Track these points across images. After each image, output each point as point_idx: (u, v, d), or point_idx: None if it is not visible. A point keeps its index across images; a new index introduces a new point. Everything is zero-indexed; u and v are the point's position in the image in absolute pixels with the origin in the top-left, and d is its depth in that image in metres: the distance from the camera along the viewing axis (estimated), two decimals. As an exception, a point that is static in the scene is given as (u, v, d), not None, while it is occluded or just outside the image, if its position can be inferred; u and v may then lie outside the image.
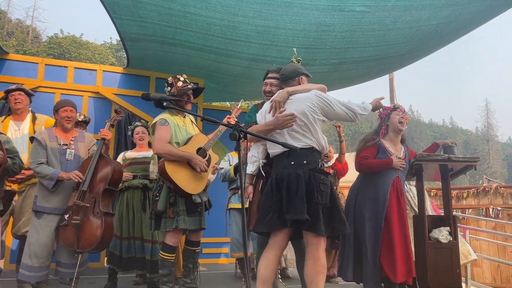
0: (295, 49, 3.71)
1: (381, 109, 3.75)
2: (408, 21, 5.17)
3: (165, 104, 2.62)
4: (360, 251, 3.86)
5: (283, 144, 2.53)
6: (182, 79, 3.79)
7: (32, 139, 3.78)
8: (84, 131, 4.29)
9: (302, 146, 3.00)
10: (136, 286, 4.61)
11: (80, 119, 4.73)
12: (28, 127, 4.29)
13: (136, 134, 4.59)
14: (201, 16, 4.76)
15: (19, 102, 4.23)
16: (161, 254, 3.65)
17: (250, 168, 3.32)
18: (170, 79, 3.80)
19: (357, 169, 3.98)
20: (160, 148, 3.53)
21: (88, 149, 3.98)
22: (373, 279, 3.72)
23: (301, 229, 2.95)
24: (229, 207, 4.80)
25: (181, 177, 3.52)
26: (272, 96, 3.32)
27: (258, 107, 3.54)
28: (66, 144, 3.83)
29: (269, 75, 3.54)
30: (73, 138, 3.89)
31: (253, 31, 5.06)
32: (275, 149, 3.12)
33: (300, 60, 3.65)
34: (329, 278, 5.14)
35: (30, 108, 4.42)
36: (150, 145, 4.60)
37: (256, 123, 3.34)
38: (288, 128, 3.06)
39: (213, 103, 10.43)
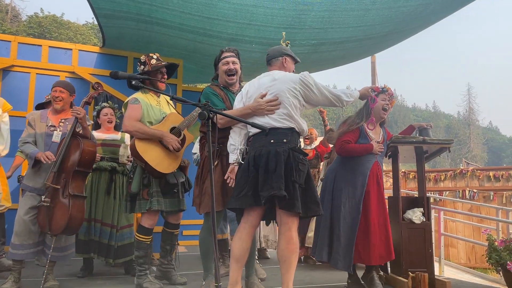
0: (284, 32, 3.71)
1: (371, 91, 3.74)
2: (386, 2, 5.14)
3: (133, 82, 2.58)
4: (333, 233, 3.80)
5: (253, 125, 2.51)
6: (155, 57, 3.73)
7: None
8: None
9: (282, 126, 3.01)
10: (113, 268, 4.60)
11: None
12: None
13: (104, 115, 4.46)
14: (177, -8, 4.66)
15: None
16: (137, 235, 3.62)
17: (232, 158, 3.16)
18: (143, 58, 3.73)
19: (338, 152, 3.92)
20: (129, 125, 3.49)
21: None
22: (344, 261, 3.67)
23: (274, 208, 2.95)
24: None
25: (152, 156, 3.47)
26: (235, 75, 3.32)
27: (214, 90, 3.39)
28: (54, 126, 3.76)
29: (227, 54, 3.43)
30: (63, 120, 3.81)
31: (231, 10, 4.98)
32: (254, 128, 3.06)
33: (288, 43, 3.62)
34: (305, 259, 5.20)
35: None
36: (117, 127, 4.52)
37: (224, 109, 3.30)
38: None
39: (197, 85, 10.33)
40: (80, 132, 3.75)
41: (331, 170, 4.05)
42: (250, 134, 3.17)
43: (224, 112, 2.93)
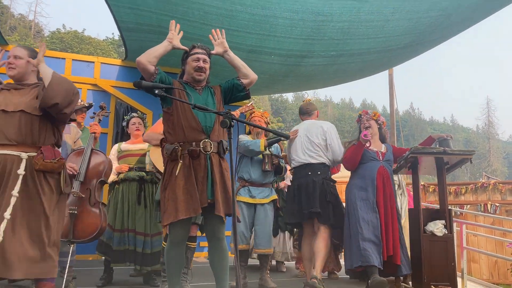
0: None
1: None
2: (407, 12, 5.14)
3: (157, 92, 2.61)
4: (354, 235, 3.98)
5: (274, 132, 2.52)
6: None
7: None
8: (70, 124, 4.24)
9: (316, 162, 4.21)
10: (132, 278, 4.61)
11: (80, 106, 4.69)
12: None
13: (132, 124, 4.55)
14: (198, 3, 4.73)
15: None
16: (164, 244, 3.69)
17: None
18: None
19: (345, 167, 4.37)
20: (146, 135, 3.69)
21: (74, 142, 4.00)
22: (375, 257, 3.82)
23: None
24: (237, 199, 4.76)
25: (162, 163, 3.50)
26: (204, 73, 3.06)
27: (174, 84, 3.07)
28: None
29: (199, 50, 3.09)
30: None
31: (251, 21, 5.03)
32: (294, 163, 4.31)
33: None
34: (328, 274, 5.15)
35: None
36: None
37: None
38: (304, 147, 4.27)
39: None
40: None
41: (348, 184, 4.38)
42: (293, 166, 4.33)
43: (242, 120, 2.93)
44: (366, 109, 4.59)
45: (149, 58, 2.94)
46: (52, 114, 2.72)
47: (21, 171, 2.58)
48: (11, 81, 2.89)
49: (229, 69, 6.59)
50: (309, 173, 4.14)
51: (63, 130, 3.04)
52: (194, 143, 2.87)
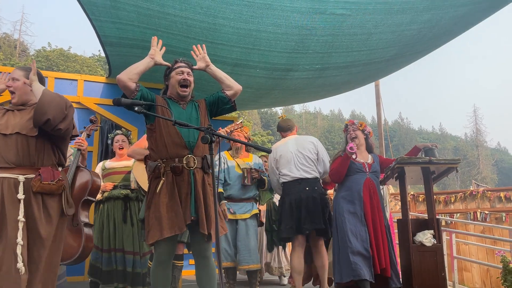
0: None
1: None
2: (389, 25, 5.18)
3: (136, 109, 2.57)
4: (343, 249, 3.94)
5: (256, 147, 2.48)
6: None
7: None
8: None
9: (311, 176, 4.28)
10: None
11: None
12: None
13: (116, 142, 4.50)
14: (181, 17, 4.71)
15: None
16: (150, 263, 3.60)
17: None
18: None
19: (332, 180, 4.37)
20: (130, 149, 3.71)
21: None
22: (366, 270, 3.80)
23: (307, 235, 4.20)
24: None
25: (144, 179, 3.46)
26: (189, 86, 3.03)
27: (157, 99, 3.00)
28: None
29: (182, 64, 3.08)
30: None
31: (235, 34, 5.03)
32: (287, 178, 4.27)
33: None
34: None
35: None
36: None
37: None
38: (297, 162, 4.28)
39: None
40: (80, 162, 3.77)
41: (334, 196, 4.39)
42: (284, 180, 4.29)
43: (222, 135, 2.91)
44: (356, 120, 4.58)
45: (129, 75, 2.90)
46: (48, 132, 2.67)
47: (20, 195, 2.55)
48: None
49: (214, 83, 6.58)
50: (307, 188, 4.19)
51: (67, 148, 2.98)
52: (177, 159, 2.83)
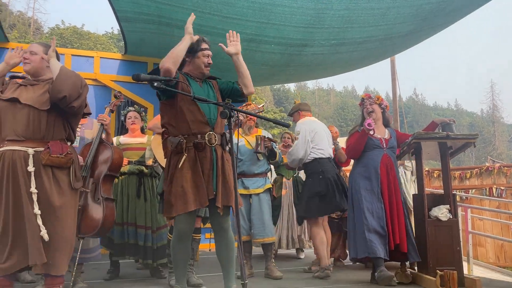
0: None
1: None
2: (408, -1, 5.09)
3: (156, 84, 2.61)
4: (359, 226, 3.96)
5: (275, 121, 2.50)
6: None
7: None
8: (93, 119, 4.26)
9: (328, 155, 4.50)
10: (139, 271, 4.65)
11: None
12: None
13: (129, 118, 4.52)
14: (196, -9, 4.70)
15: None
16: (169, 236, 3.76)
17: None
18: None
19: (348, 156, 4.54)
20: (150, 123, 3.78)
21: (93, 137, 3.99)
22: (381, 248, 3.83)
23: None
24: None
25: (161, 151, 3.49)
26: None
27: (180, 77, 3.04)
28: None
29: (207, 46, 3.12)
30: (80, 126, 3.89)
31: (250, 8, 4.98)
32: (325, 154, 4.48)
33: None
34: (334, 261, 5.18)
35: None
36: (143, 131, 4.57)
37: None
38: (328, 141, 4.56)
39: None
40: (104, 138, 3.83)
41: (350, 172, 4.35)
42: (320, 156, 4.43)
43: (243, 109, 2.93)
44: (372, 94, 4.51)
45: (176, 62, 2.92)
46: (61, 108, 2.75)
47: (30, 168, 2.63)
48: None
49: (229, 61, 6.57)
50: (334, 166, 4.52)
51: (77, 125, 3.08)
52: (199, 136, 2.88)
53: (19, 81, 2.91)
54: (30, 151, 2.66)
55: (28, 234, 2.57)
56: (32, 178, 2.62)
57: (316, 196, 4.33)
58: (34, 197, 2.59)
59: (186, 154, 2.84)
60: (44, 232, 2.54)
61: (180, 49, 2.96)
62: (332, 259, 5.17)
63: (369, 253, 3.84)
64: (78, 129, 3.88)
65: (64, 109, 2.76)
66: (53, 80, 2.74)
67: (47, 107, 2.73)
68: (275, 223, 5.42)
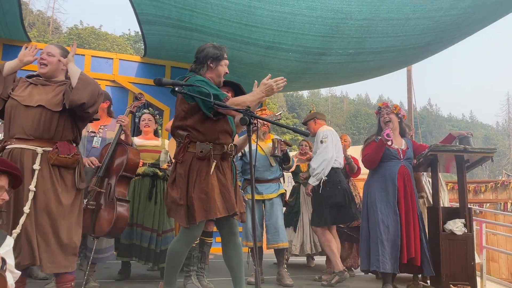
0: None
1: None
2: (428, 11, 5.06)
3: (177, 89, 2.63)
4: (372, 238, 3.93)
5: (294, 129, 2.51)
6: None
7: None
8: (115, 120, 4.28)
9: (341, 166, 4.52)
10: (149, 272, 4.67)
11: None
12: None
13: (142, 121, 4.53)
14: (217, -1, 4.74)
15: None
16: None
17: (313, 182, 4.36)
18: None
19: (365, 166, 4.30)
20: (168, 125, 3.73)
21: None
22: (391, 263, 3.80)
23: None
24: (245, 198, 4.77)
25: None
26: None
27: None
28: (94, 132, 3.92)
29: (226, 56, 3.10)
30: (102, 127, 3.96)
31: (269, 17, 5.01)
32: (338, 164, 4.41)
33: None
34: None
35: None
36: (156, 133, 4.59)
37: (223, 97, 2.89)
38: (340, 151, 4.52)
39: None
40: (123, 139, 3.85)
41: (365, 183, 4.32)
42: (337, 166, 4.41)
43: (262, 116, 2.93)
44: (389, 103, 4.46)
45: None
46: (76, 112, 2.79)
47: (36, 166, 2.67)
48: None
49: (247, 66, 6.63)
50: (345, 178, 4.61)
51: (84, 127, 3.13)
52: (225, 146, 2.90)
53: (30, 80, 2.93)
54: (39, 150, 2.71)
55: (22, 233, 2.58)
56: (35, 176, 2.65)
57: (335, 206, 4.30)
58: (31, 195, 2.61)
59: (214, 162, 2.81)
60: (16, 231, 2.53)
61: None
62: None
63: (378, 267, 3.83)
64: (100, 130, 3.93)
65: (77, 113, 2.81)
66: (70, 84, 2.77)
67: (59, 109, 2.77)
68: (294, 228, 5.43)
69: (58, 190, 2.71)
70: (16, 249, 2.52)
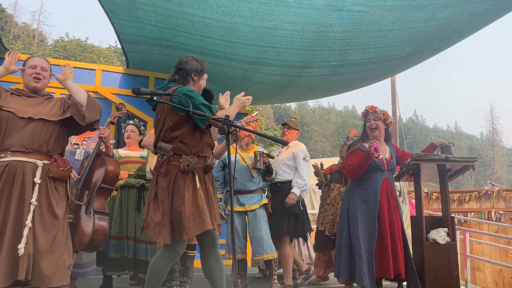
0: None
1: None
2: (407, 22, 5.13)
3: (155, 98, 2.61)
4: (354, 251, 3.86)
5: (273, 138, 2.49)
6: None
7: None
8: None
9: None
10: (132, 287, 4.58)
11: None
12: None
13: (126, 132, 4.51)
14: (198, 17, 4.73)
15: None
16: (189, 253, 3.73)
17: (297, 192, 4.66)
18: None
19: (348, 177, 4.22)
20: (145, 140, 3.71)
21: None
22: (368, 277, 3.71)
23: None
24: (227, 211, 4.71)
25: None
26: None
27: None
28: (77, 144, 3.91)
29: None
30: (85, 139, 3.97)
31: (251, 33, 5.02)
32: (286, 177, 4.76)
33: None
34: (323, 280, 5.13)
35: None
36: (140, 144, 4.55)
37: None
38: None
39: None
40: (103, 150, 3.81)
41: (347, 190, 4.23)
42: (281, 180, 4.76)
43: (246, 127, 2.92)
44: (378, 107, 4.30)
45: None
46: (69, 124, 2.89)
47: (37, 179, 2.68)
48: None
49: (230, 79, 6.63)
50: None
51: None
52: (208, 159, 2.91)
53: (9, 89, 2.90)
54: (39, 163, 2.73)
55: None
56: (36, 189, 2.66)
57: (292, 216, 4.65)
58: (32, 208, 2.62)
59: (197, 175, 2.80)
60: (21, 246, 2.51)
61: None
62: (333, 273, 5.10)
63: (357, 281, 3.80)
64: (84, 142, 3.90)
65: (78, 128, 2.93)
66: (69, 98, 2.90)
67: (58, 122, 2.83)
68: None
69: (53, 203, 2.72)
70: (15, 263, 2.50)
